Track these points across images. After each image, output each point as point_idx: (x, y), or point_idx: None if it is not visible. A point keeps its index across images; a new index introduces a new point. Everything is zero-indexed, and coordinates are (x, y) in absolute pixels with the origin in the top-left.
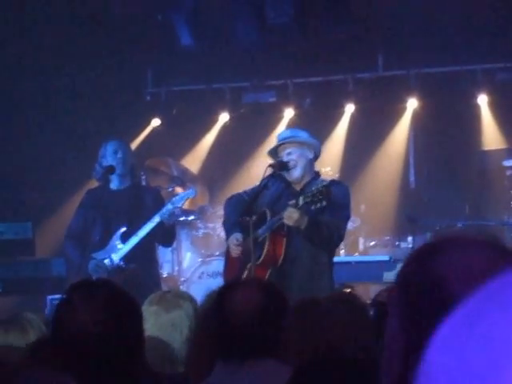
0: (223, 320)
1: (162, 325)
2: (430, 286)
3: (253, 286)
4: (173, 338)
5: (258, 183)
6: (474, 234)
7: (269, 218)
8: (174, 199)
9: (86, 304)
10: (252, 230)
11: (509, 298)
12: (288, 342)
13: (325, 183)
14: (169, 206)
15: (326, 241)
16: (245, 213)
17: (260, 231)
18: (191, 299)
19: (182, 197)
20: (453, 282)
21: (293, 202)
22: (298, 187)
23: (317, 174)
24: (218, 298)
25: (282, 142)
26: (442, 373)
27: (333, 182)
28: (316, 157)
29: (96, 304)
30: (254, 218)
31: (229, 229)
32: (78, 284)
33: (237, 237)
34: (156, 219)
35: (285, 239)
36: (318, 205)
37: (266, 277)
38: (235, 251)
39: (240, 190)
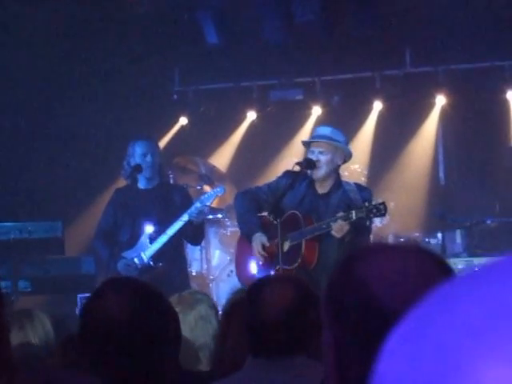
0: (254, 316)
1: (190, 321)
2: (351, 289)
3: (284, 282)
4: (205, 331)
5: (274, 180)
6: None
7: (302, 220)
8: (202, 197)
9: (116, 295)
10: (280, 232)
11: (457, 301)
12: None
13: (379, 202)
14: (197, 205)
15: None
16: (271, 212)
17: (295, 235)
18: (207, 295)
19: (210, 195)
20: (372, 283)
21: (341, 214)
22: (320, 189)
23: (339, 177)
24: (249, 295)
25: (319, 140)
26: (394, 381)
27: (359, 186)
28: (344, 162)
29: (124, 295)
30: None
31: (248, 227)
32: (110, 278)
33: (262, 240)
34: (185, 218)
35: (318, 244)
36: (372, 216)
37: None
38: (261, 255)
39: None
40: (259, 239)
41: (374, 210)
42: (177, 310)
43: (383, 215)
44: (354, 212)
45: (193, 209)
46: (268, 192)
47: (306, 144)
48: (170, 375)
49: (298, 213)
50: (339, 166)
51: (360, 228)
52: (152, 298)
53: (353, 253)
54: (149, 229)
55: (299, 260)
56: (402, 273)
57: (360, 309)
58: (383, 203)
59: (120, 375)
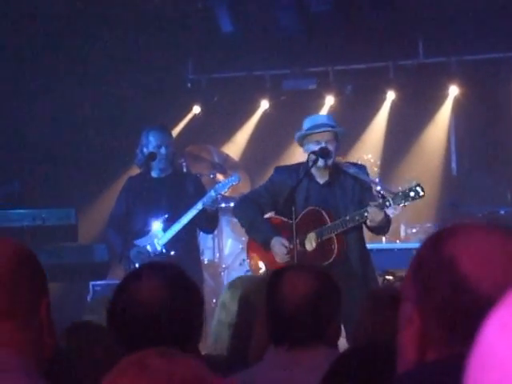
0: (275, 306)
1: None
2: (441, 267)
3: (304, 272)
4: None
5: (267, 180)
6: (485, 222)
7: (325, 215)
8: (217, 186)
9: (152, 278)
10: (295, 232)
11: None
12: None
13: (414, 184)
14: (212, 193)
15: (387, 230)
16: (285, 210)
17: (323, 230)
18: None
19: (225, 183)
20: (462, 262)
21: (376, 202)
22: (320, 179)
23: (336, 164)
24: (270, 284)
25: (326, 130)
26: (499, 361)
27: (356, 165)
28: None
29: (161, 279)
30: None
31: (263, 235)
32: (148, 262)
33: (283, 243)
34: (199, 206)
35: (343, 235)
36: (410, 200)
37: None
38: (284, 258)
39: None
40: (279, 243)
41: (412, 194)
42: None
43: (422, 196)
44: (390, 199)
45: (207, 197)
46: (265, 194)
47: (301, 139)
48: None
49: (317, 208)
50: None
51: (387, 215)
52: (186, 284)
53: (442, 230)
54: (162, 217)
55: (335, 255)
56: (490, 252)
57: (448, 288)
58: (419, 184)
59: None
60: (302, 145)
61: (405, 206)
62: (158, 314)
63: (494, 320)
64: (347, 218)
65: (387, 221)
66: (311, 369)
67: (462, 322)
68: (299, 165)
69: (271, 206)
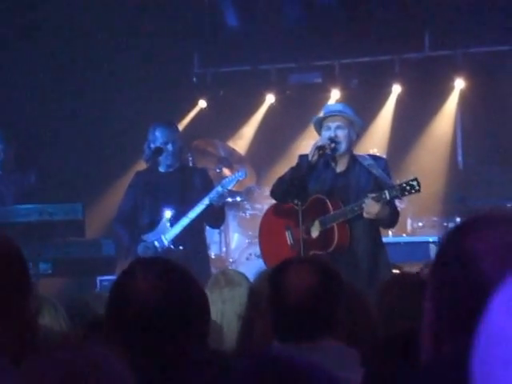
0: (278, 300)
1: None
2: (463, 261)
3: (308, 265)
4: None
5: (294, 165)
6: (506, 213)
7: (329, 204)
8: (224, 181)
9: (146, 274)
10: (303, 218)
11: None
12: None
13: (411, 178)
14: (219, 188)
15: (393, 224)
16: (295, 197)
17: (326, 219)
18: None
19: (232, 179)
20: (486, 256)
21: (374, 195)
22: (337, 168)
23: (353, 153)
24: (273, 278)
25: (334, 114)
26: (505, 336)
27: (374, 157)
28: (357, 137)
29: (154, 274)
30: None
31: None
32: (139, 258)
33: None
34: (206, 201)
35: (347, 225)
36: (406, 193)
37: None
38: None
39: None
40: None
41: (408, 188)
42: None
43: (418, 191)
44: (387, 192)
45: (214, 192)
46: (294, 175)
47: (318, 123)
48: (195, 355)
49: (323, 196)
50: (354, 141)
51: (393, 208)
52: (182, 277)
53: (462, 223)
54: (169, 212)
55: (335, 244)
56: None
57: (466, 283)
58: (416, 179)
59: (146, 353)
60: (319, 133)
61: (400, 199)
62: (151, 310)
63: (499, 297)
64: (348, 208)
65: (390, 214)
66: (322, 363)
67: (477, 317)
68: None
69: (294, 190)
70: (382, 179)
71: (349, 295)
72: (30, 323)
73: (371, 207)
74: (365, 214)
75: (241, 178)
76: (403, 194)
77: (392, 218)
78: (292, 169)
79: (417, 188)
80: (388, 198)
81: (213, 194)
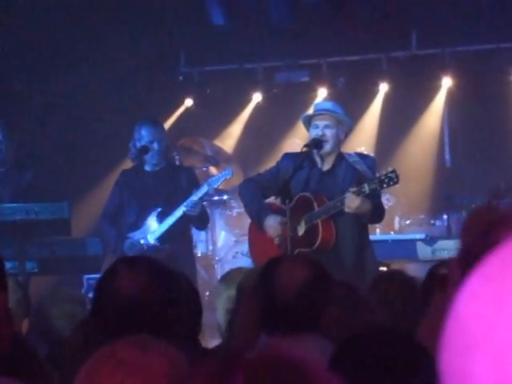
0: (268, 295)
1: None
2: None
3: (297, 262)
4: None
5: (274, 165)
6: None
7: (314, 201)
8: (210, 180)
9: (129, 273)
10: (289, 216)
11: None
12: (331, 317)
13: (389, 170)
14: (205, 187)
15: (378, 219)
16: (279, 196)
17: (309, 217)
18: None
19: (218, 178)
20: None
21: (354, 189)
22: (323, 166)
23: (340, 151)
24: (263, 274)
25: (321, 113)
26: (474, 320)
27: (361, 155)
28: (346, 137)
29: (137, 271)
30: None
31: (259, 212)
32: (122, 257)
33: (277, 220)
34: (179, 212)
35: (332, 221)
36: (385, 186)
37: None
38: (278, 230)
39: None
40: (273, 220)
41: (387, 180)
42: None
43: (396, 183)
44: (366, 185)
45: (188, 202)
46: (270, 178)
47: (307, 121)
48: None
49: (308, 194)
50: (341, 141)
51: (376, 202)
52: (167, 276)
53: (492, 218)
54: (155, 210)
55: (319, 241)
56: None
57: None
58: (394, 171)
59: None
60: (308, 130)
61: (379, 191)
62: (136, 308)
63: (466, 288)
64: (330, 204)
65: (374, 208)
66: (305, 356)
67: None
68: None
69: (274, 191)
70: (364, 174)
71: (349, 295)
72: (4, 322)
73: (351, 201)
74: (346, 209)
75: (227, 177)
76: (382, 187)
77: (375, 212)
78: (269, 172)
79: (395, 180)
80: (367, 191)
81: (187, 204)
